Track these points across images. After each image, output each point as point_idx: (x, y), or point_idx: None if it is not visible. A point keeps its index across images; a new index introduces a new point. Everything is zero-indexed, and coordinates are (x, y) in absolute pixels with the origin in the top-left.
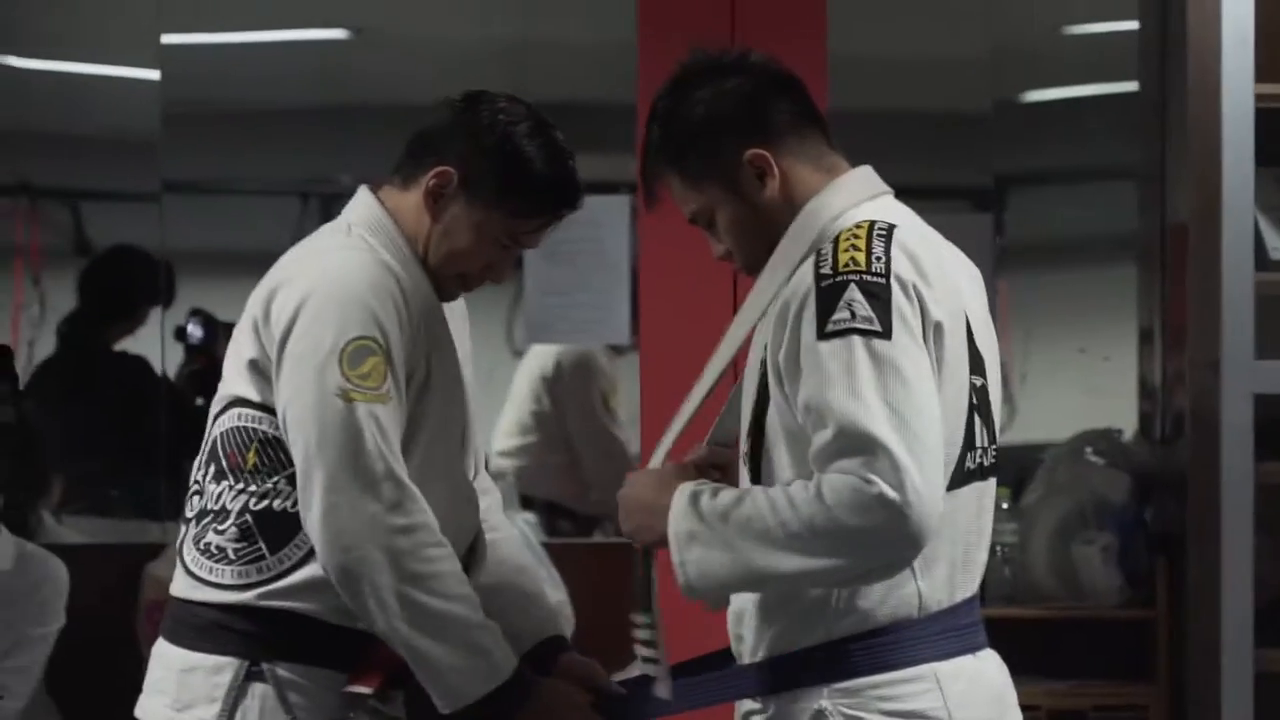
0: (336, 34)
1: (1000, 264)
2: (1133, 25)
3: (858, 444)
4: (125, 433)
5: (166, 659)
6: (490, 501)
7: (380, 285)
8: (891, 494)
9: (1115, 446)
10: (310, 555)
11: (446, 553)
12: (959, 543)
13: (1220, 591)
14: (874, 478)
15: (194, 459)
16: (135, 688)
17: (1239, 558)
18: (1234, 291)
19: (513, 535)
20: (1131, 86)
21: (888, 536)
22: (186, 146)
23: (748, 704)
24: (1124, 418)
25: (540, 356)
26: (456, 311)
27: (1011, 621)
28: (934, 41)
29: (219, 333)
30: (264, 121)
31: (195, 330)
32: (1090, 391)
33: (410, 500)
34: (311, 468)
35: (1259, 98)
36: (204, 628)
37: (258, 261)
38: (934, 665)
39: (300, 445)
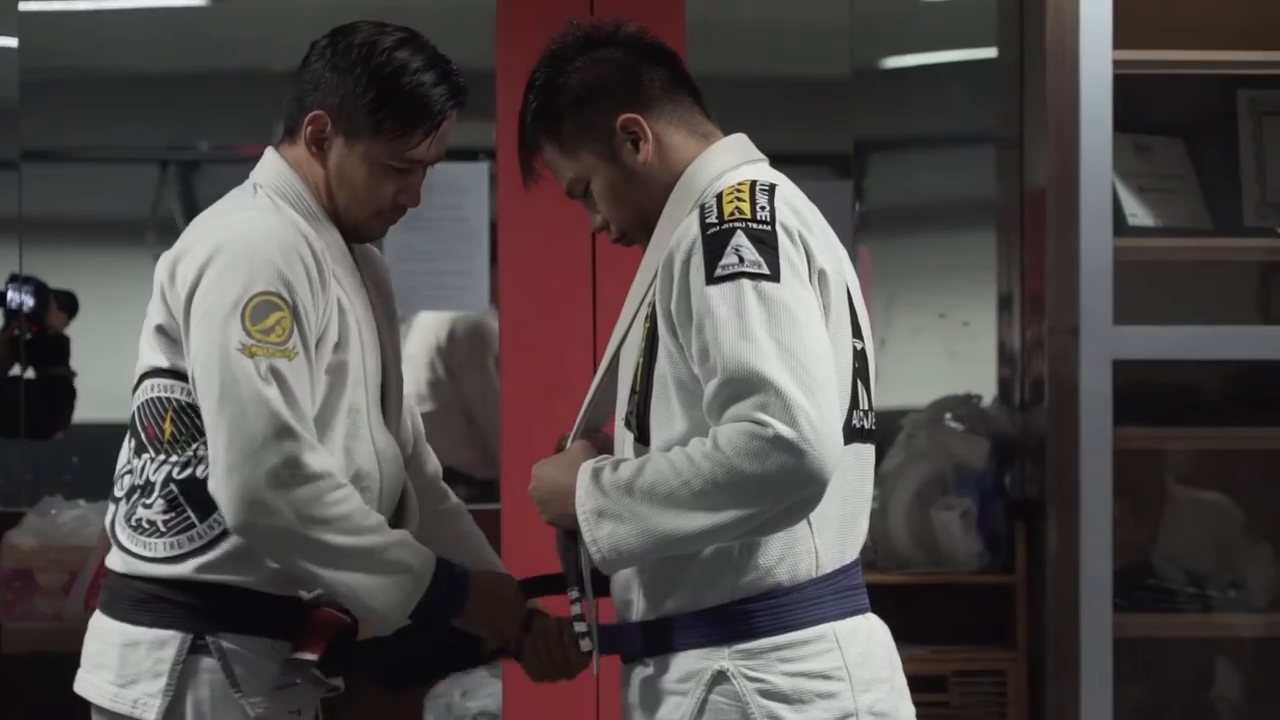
0: (195, 0)
1: (861, 230)
2: None
3: (748, 385)
4: None
5: (106, 633)
6: (434, 469)
7: (286, 242)
8: (787, 432)
9: (975, 412)
10: None
11: (348, 493)
12: (848, 501)
13: (1079, 556)
14: (767, 419)
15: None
16: None
17: (1098, 523)
18: (1092, 257)
19: (462, 506)
20: (990, 53)
21: (790, 478)
22: (45, 114)
23: (639, 666)
24: (983, 383)
25: (432, 325)
26: (375, 261)
27: (872, 587)
28: (794, 7)
29: (49, 300)
30: (123, 89)
31: (14, 296)
32: (950, 357)
33: (309, 451)
34: (216, 423)
35: (1117, 64)
36: (143, 600)
37: (117, 229)
38: (833, 625)
39: (205, 402)
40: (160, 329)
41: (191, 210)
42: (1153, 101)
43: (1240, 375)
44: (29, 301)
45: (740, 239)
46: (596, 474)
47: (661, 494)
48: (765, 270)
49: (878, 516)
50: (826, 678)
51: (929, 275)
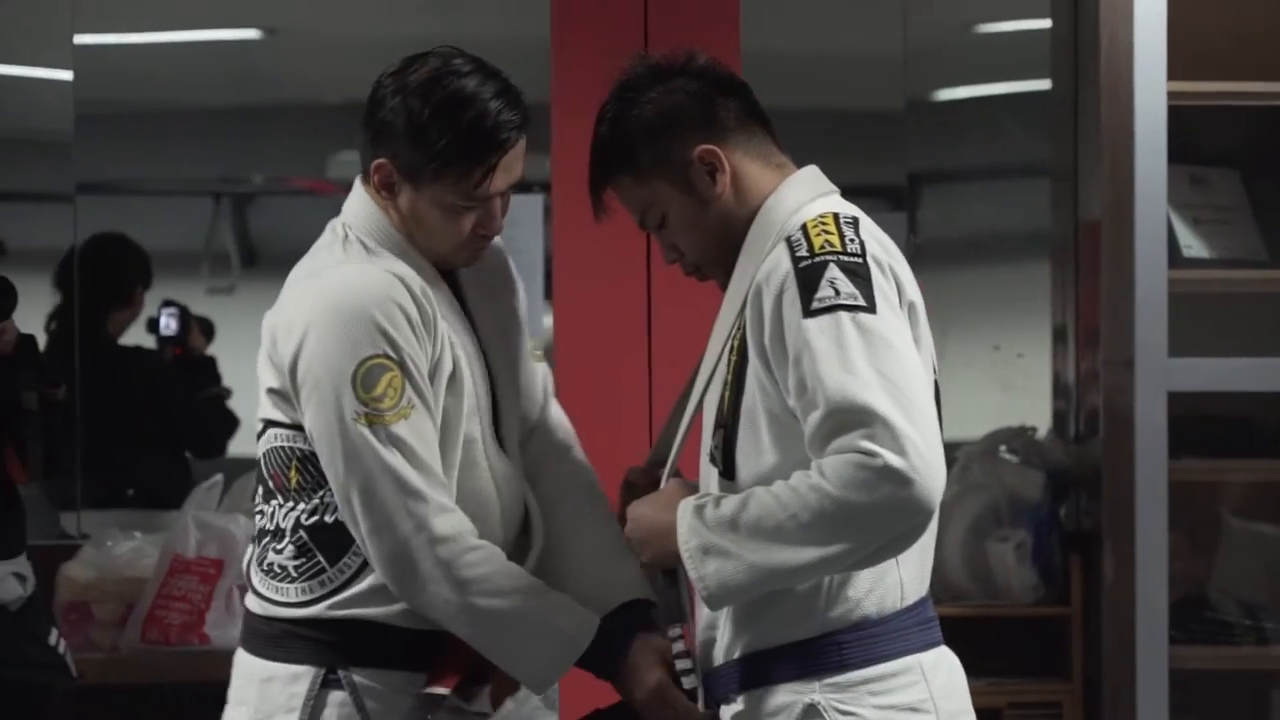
0: (249, 34)
1: (914, 262)
2: (1045, 23)
3: (854, 417)
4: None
5: (246, 669)
6: (565, 435)
7: (382, 294)
8: (897, 461)
9: (1029, 444)
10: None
11: (487, 553)
12: (930, 532)
13: (1135, 588)
14: (876, 449)
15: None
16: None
17: (1154, 555)
18: (1147, 289)
19: (589, 480)
20: (1044, 85)
21: (900, 506)
22: (99, 146)
23: (728, 705)
24: (1038, 415)
25: None
26: (492, 264)
27: None
28: (848, 39)
29: (191, 325)
30: (177, 121)
31: (169, 322)
32: (1004, 389)
33: (441, 512)
34: (347, 493)
35: (1171, 95)
36: (278, 637)
37: (171, 261)
38: (918, 656)
39: (331, 473)
40: (273, 391)
41: (245, 243)
42: (1207, 133)
43: None
44: (174, 325)
45: (834, 271)
46: (699, 510)
47: (768, 528)
48: (861, 302)
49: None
50: (914, 710)
51: (983, 307)
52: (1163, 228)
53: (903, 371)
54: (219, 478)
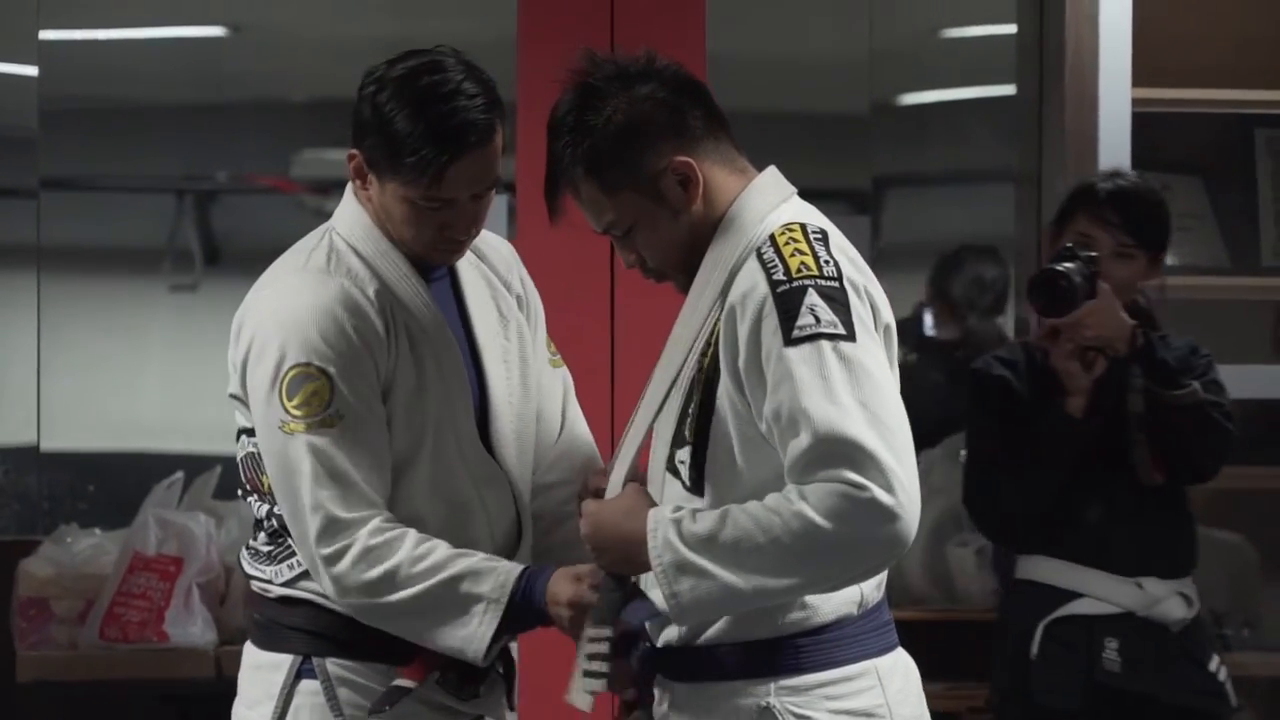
0: (214, 31)
1: (877, 266)
2: (1010, 29)
3: (841, 449)
4: None
5: (246, 658)
6: (581, 449)
7: (322, 306)
8: (885, 498)
9: None
10: None
11: (380, 553)
12: None
13: None
14: (865, 482)
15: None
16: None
17: None
18: None
19: (588, 445)
20: (1009, 90)
21: (883, 540)
22: (64, 143)
23: (676, 697)
24: None
25: None
26: (490, 258)
27: None
28: (813, 42)
29: None
30: (141, 118)
31: None
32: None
33: (341, 528)
34: (280, 500)
35: (1135, 101)
36: (265, 625)
37: (134, 259)
38: (874, 661)
39: (269, 473)
40: (235, 397)
41: (208, 241)
42: (1171, 140)
43: (1259, 414)
44: None
45: (813, 298)
46: (676, 525)
47: (746, 550)
48: (842, 330)
49: None
50: (869, 715)
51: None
52: None
53: (884, 403)
54: (179, 475)
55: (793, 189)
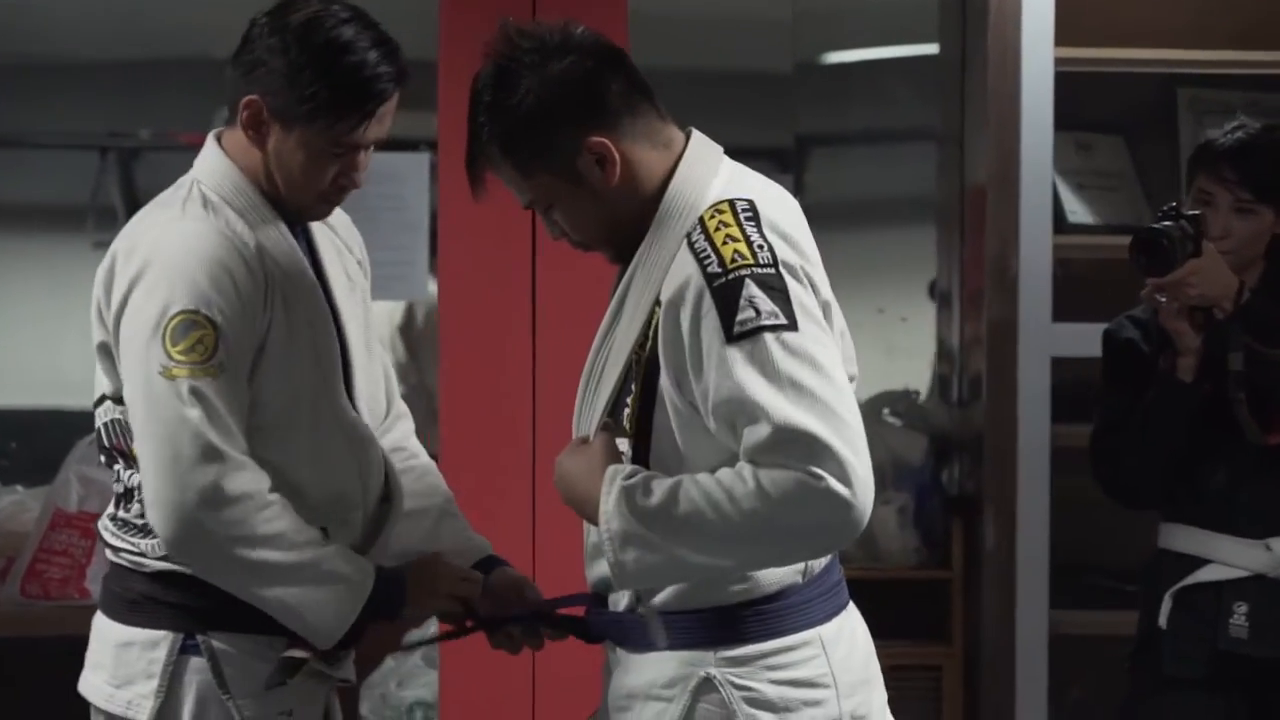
0: None
1: None
2: None
3: (798, 441)
4: None
5: (103, 634)
6: (405, 427)
7: (209, 256)
8: (841, 489)
9: (912, 407)
10: None
11: (279, 510)
12: None
13: (1016, 553)
14: (821, 472)
15: None
16: None
17: (1035, 520)
18: (1031, 254)
19: (430, 462)
20: (932, 49)
21: (836, 527)
22: None
23: (618, 666)
24: (921, 379)
25: (387, 309)
26: (339, 230)
27: None
28: (736, 1)
29: None
30: (63, 74)
31: None
32: (888, 352)
33: (236, 471)
34: (143, 448)
35: (1059, 61)
36: (137, 601)
37: (56, 215)
38: (818, 629)
39: (134, 425)
40: (103, 347)
41: (131, 197)
42: (1094, 99)
43: None
44: None
45: (751, 289)
46: (628, 495)
47: (695, 526)
48: (783, 320)
49: None
50: (813, 685)
51: (868, 270)
52: (1048, 193)
53: (834, 391)
54: None
55: (720, 151)
